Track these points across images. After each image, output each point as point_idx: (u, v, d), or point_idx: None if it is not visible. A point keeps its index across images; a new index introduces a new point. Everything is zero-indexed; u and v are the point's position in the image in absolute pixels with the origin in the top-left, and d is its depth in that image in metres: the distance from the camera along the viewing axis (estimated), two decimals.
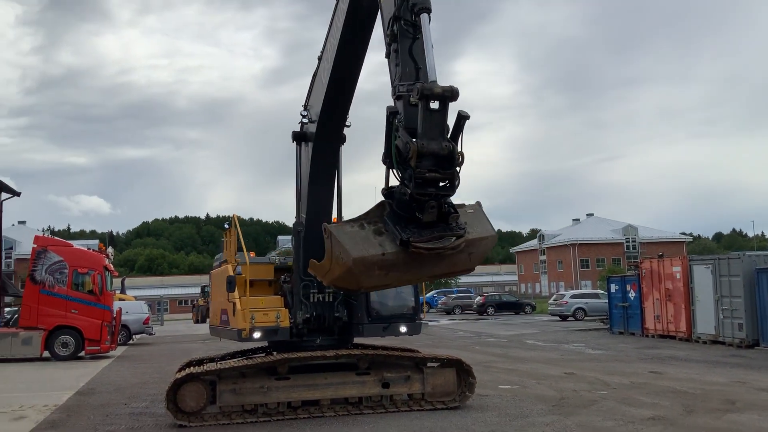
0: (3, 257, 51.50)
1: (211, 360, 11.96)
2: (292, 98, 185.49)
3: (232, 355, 12.39)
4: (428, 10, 7.01)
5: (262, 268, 11.76)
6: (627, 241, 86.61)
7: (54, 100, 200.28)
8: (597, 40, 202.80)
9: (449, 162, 6.26)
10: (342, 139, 10.99)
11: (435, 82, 6.45)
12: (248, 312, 10.36)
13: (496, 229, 7.06)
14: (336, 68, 9.56)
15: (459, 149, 6.28)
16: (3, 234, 45.76)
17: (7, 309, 36.23)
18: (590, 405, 10.83)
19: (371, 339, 11.73)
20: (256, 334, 10.46)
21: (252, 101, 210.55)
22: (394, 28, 7.20)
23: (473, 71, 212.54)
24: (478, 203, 7.21)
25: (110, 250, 26.26)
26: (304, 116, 11.04)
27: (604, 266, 79.29)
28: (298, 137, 11.21)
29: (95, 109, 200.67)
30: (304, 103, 11.10)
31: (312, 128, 10.70)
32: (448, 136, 6.34)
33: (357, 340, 11.56)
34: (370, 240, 6.61)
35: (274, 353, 10.76)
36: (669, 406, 10.55)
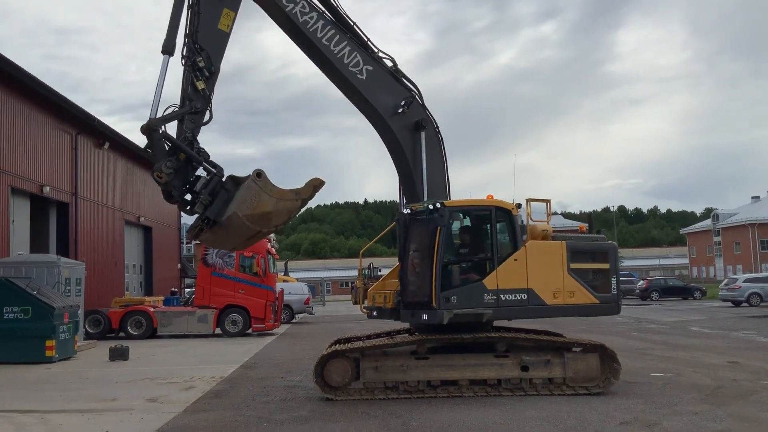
0: (184, 242, 56.31)
1: (358, 339, 12.52)
2: (444, 81, 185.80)
3: (378, 335, 12.88)
4: (167, 53, 9.33)
5: None
6: None
7: (225, 95, 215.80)
8: None
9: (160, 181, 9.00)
10: (417, 127, 11.25)
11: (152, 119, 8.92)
12: (371, 293, 11.37)
13: (236, 210, 8.87)
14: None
15: (165, 168, 8.90)
16: (184, 221, 50.05)
17: (187, 290, 39.90)
18: (749, 395, 10.12)
19: (515, 322, 11.74)
20: (374, 313, 11.46)
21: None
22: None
23: (637, 40, 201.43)
24: (253, 173, 8.96)
25: (271, 234, 28.01)
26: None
27: None
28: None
29: (261, 102, 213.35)
30: None
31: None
32: None
33: (498, 323, 11.60)
34: None
35: (416, 333, 11.09)
36: None
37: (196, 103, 9.39)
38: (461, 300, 10.12)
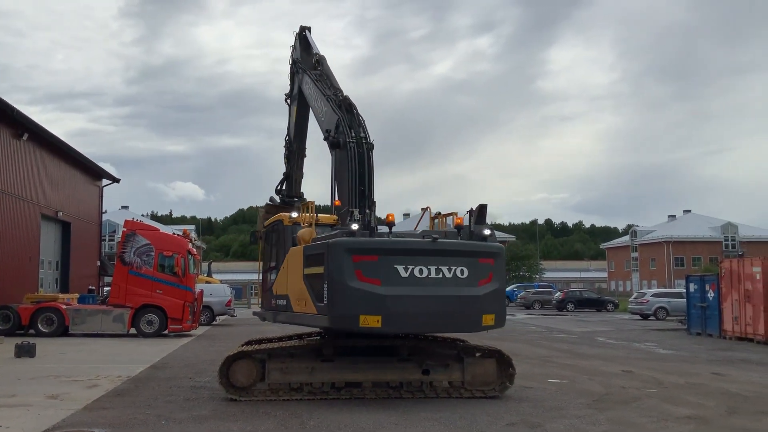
0: (107, 239, 54.81)
1: (269, 341, 12.67)
2: (381, 88, 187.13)
3: (290, 337, 13.07)
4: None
5: None
6: (726, 240, 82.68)
7: (155, 89, 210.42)
8: (704, 25, 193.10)
9: None
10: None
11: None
12: None
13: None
14: None
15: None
16: (107, 218, 48.70)
17: (106, 288, 38.88)
18: (632, 402, 10.80)
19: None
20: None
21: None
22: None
23: (568, 59, 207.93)
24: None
25: (193, 234, 27.80)
26: None
27: (700, 265, 76.04)
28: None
29: (194, 98, 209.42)
30: None
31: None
32: None
33: None
34: None
35: (326, 336, 11.35)
36: (713, 407, 10.40)
37: (285, 172, 15.33)
38: (264, 303, 12.82)
